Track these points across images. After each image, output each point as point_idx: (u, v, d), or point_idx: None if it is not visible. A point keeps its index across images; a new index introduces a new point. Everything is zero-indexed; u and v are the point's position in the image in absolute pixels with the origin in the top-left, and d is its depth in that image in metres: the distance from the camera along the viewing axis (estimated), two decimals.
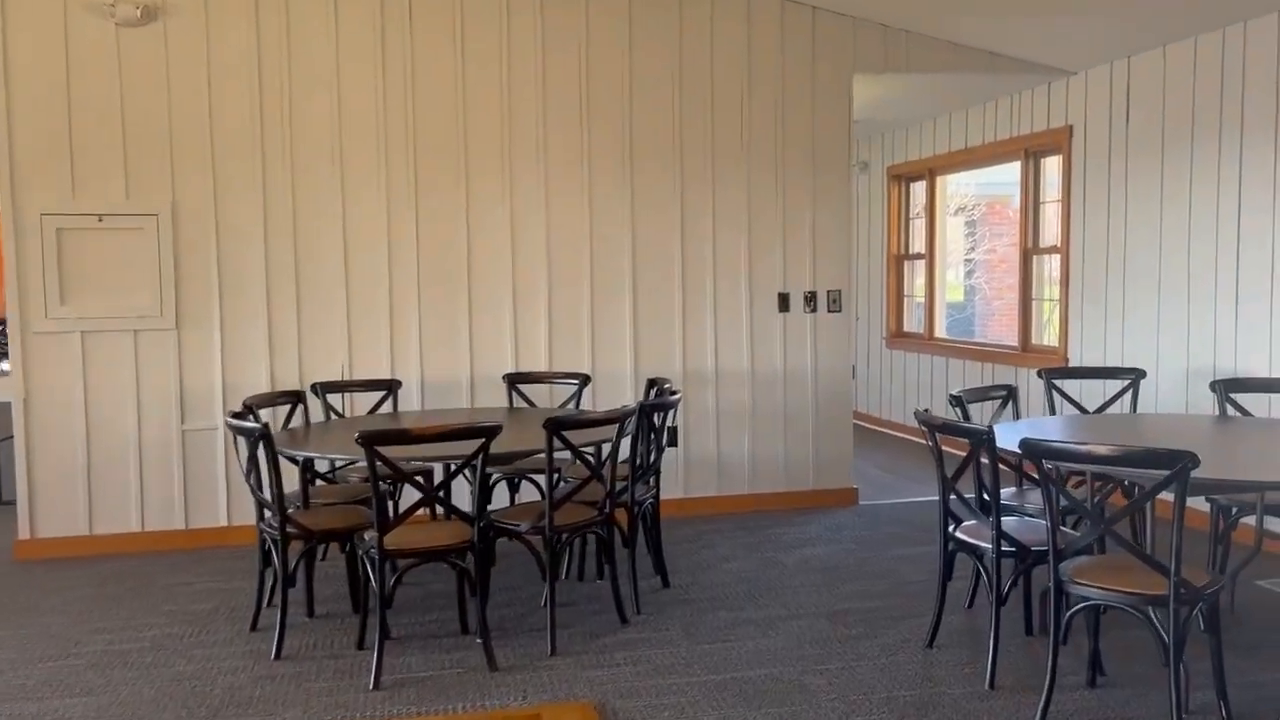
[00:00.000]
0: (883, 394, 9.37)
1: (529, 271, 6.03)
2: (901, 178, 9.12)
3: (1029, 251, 7.30)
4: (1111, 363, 6.39)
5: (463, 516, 3.87)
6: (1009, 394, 4.70)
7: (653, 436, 4.53)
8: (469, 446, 3.65)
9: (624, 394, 6.11)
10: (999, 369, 7.58)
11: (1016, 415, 4.78)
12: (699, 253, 6.23)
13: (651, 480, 4.70)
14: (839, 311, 6.47)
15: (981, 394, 4.63)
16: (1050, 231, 7.36)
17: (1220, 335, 5.56)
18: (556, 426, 3.84)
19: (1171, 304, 5.91)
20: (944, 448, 3.77)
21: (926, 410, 3.89)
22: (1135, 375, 5.12)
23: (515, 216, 5.99)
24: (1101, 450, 3.01)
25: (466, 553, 3.77)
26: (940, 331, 8.67)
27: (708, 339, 6.27)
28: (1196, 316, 5.73)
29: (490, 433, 3.61)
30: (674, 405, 4.57)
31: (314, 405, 5.21)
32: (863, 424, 9.52)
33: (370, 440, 3.53)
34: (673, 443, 6.26)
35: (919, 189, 9.02)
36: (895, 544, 5.54)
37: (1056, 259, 7.11)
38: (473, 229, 5.94)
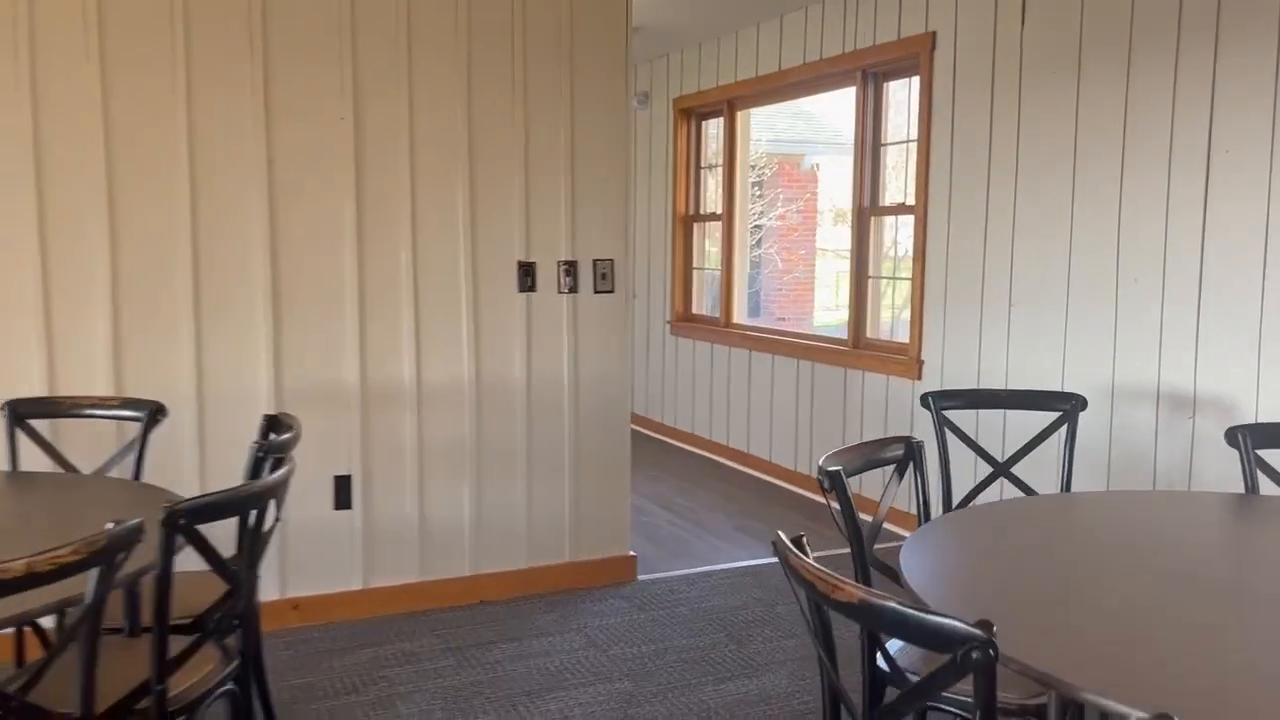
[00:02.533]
0: (665, 393, 7.31)
1: (70, 221, 3.45)
2: (692, 113, 7.02)
3: (865, 211, 5.36)
4: (992, 372, 4.53)
5: None
6: (908, 453, 2.62)
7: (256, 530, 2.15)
8: None
9: (245, 429, 3.66)
10: (822, 371, 5.64)
11: (920, 488, 2.72)
12: (388, 204, 3.85)
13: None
14: (610, 291, 4.27)
15: (867, 459, 2.52)
16: (896, 185, 5.46)
17: (1171, 334, 3.76)
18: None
19: (1087, 289, 4.08)
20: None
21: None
22: (1072, 403, 3.22)
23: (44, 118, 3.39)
24: None
25: None
26: (740, 315, 6.68)
27: (403, 333, 3.92)
28: (1132, 308, 3.92)
29: None
30: (273, 490, 2.18)
31: None
32: (639, 430, 7.44)
33: None
34: (344, 503, 3.88)
35: (714, 129, 6.96)
36: (698, 668, 3.41)
37: (907, 224, 5.20)
38: None
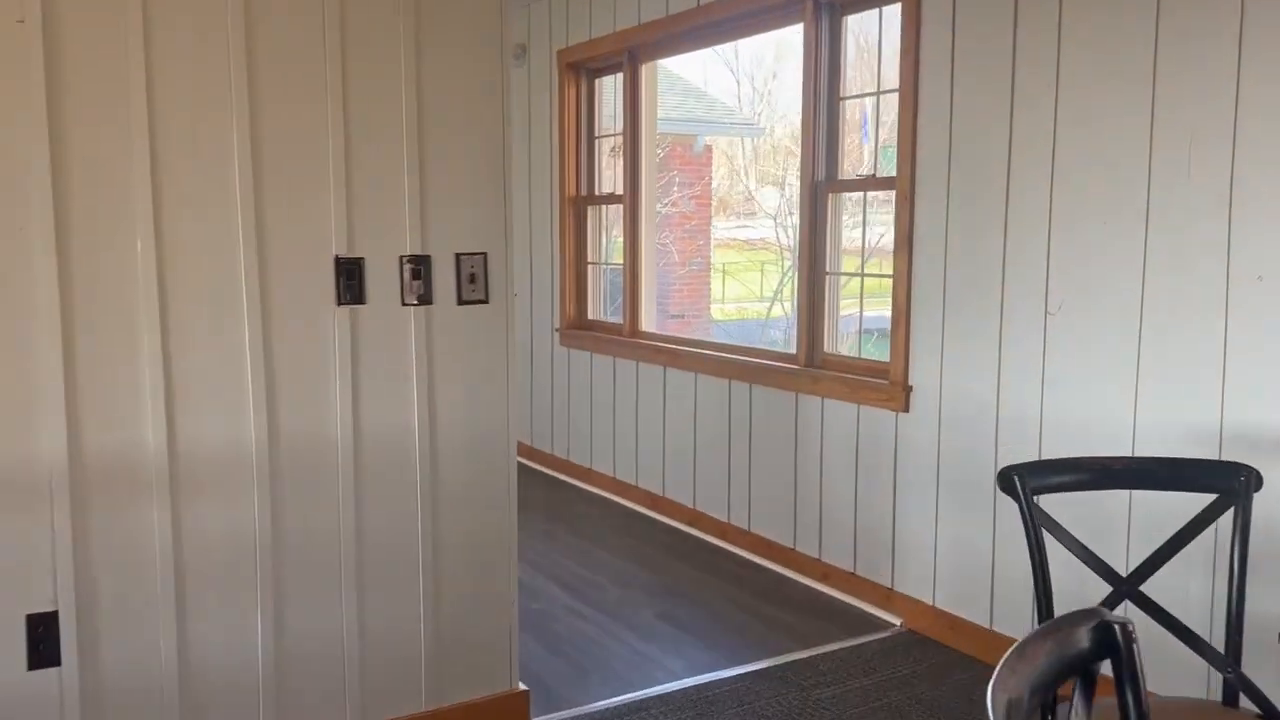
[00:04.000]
0: (555, 419, 5.90)
1: None
2: (581, 69, 5.62)
3: (819, 188, 4.07)
4: (1018, 407, 3.29)
5: None
6: (1104, 643, 1.30)
7: None
8: None
9: None
10: (764, 396, 4.33)
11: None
12: (109, 169, 2.34)
13: None
14: (483, 300, 2.87)
15: (1046, 679, 1.19)
16: (855, 155, 4.20)
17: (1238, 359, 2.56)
18: None
19: (1176, 288, 2.87)
20: None
21: None
22: (1239, 479, 1.99)
23: None
24: None
25: None
26: (650, 322, 5.32)
27: (141, 375, 2.41)
28: (1253, 315, 2.71)
29: None
30: None
31: None
32: (523, 463, 6.02)
33: None
34: (46, 658, 2.36)
35: (612, 88, 5.58)
36: None
37: (882, 203, 3.93)
38: None
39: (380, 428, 2.70)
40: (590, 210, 5.66)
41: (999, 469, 2.03)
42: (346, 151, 2.61)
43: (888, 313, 3.70)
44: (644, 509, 5.12)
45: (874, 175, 3.96)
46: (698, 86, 13.41)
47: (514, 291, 5.84)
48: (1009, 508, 3.20)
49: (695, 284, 12.02)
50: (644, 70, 5.19)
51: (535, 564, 4.33)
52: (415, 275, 2.71)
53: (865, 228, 4.15)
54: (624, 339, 5.23)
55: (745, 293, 13.57)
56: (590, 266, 5.68)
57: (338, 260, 2.62)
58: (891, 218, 3.68)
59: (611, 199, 5.49)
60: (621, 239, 5.36)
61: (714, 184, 12.83)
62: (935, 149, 3.49)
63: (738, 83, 14.98)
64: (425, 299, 2.74)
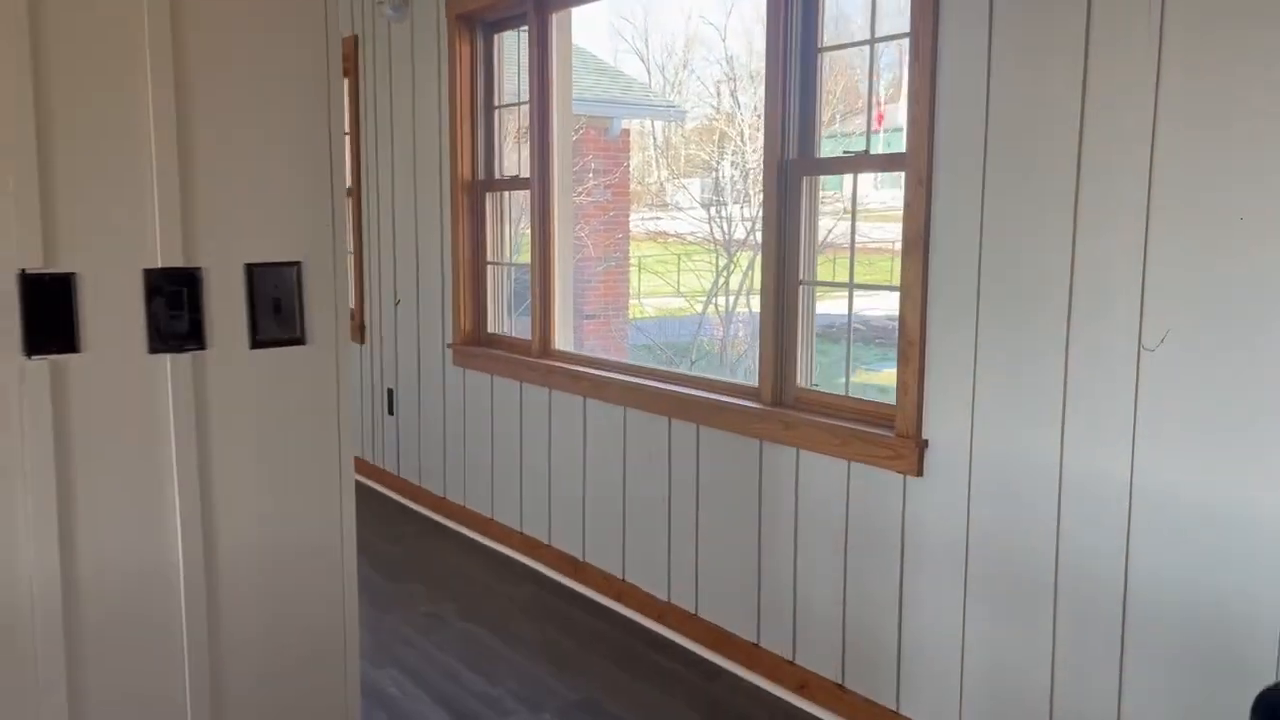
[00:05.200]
0: (448, 455, 4.80)
1: None
2: (477, 21, 4.51)
3: (789, 168, 3.04)
4: (1103, 481, 2.32)
5: None
6: None
7: None
8: None
9: None
10: (717, 442, 3.31)
11: None
12: None
13: None
14: (297, 340, 1.76)
15: None
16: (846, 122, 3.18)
17: None
18: None
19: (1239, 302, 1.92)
20: None
21: None
22: None
23: None
24: None
25: None
26: (566, 339, 4.25)
27: None
28: None
29: None
30: None
31: None
32: (405, 504, 4.91)
33: None
34: None
35: (514, 45, 4.50)
36: None
37: (877, 185, 2.92)
38: None
39: (109, 570, 1.59)
40: (490, 198, 4.56)
41: (1260, 692, 1.04)
42: (35, 99, 1.50)
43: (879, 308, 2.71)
44: (559, 576, 4.06)
45: (866, 153, 2.96)
46: (611, 65, 12.35)
47: (397, 298, 4.69)
48: (1077, 617, 2.25)
49: (612, 281, 10.97)
50: (554, 21, 4.11)
51: (415, 673, 3.23)
52: (173, 303, 1.61)
53: (854, 220, 3.14)
54: (532, 360, 4.15)
55: (666, 289, 12.56)
56: (490, 267, 4.58)
57: (23, 279, 1.50)
58: (897, 208, 2.69)
59: (516, 183, 4.40)
60: (529, 233, 4.28)
61: (632, 171, 11.78)
62: (963, 114, 2.50)
63: (649, 74, 13.98)
64: (193, 340, 1.64)
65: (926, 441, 2.65)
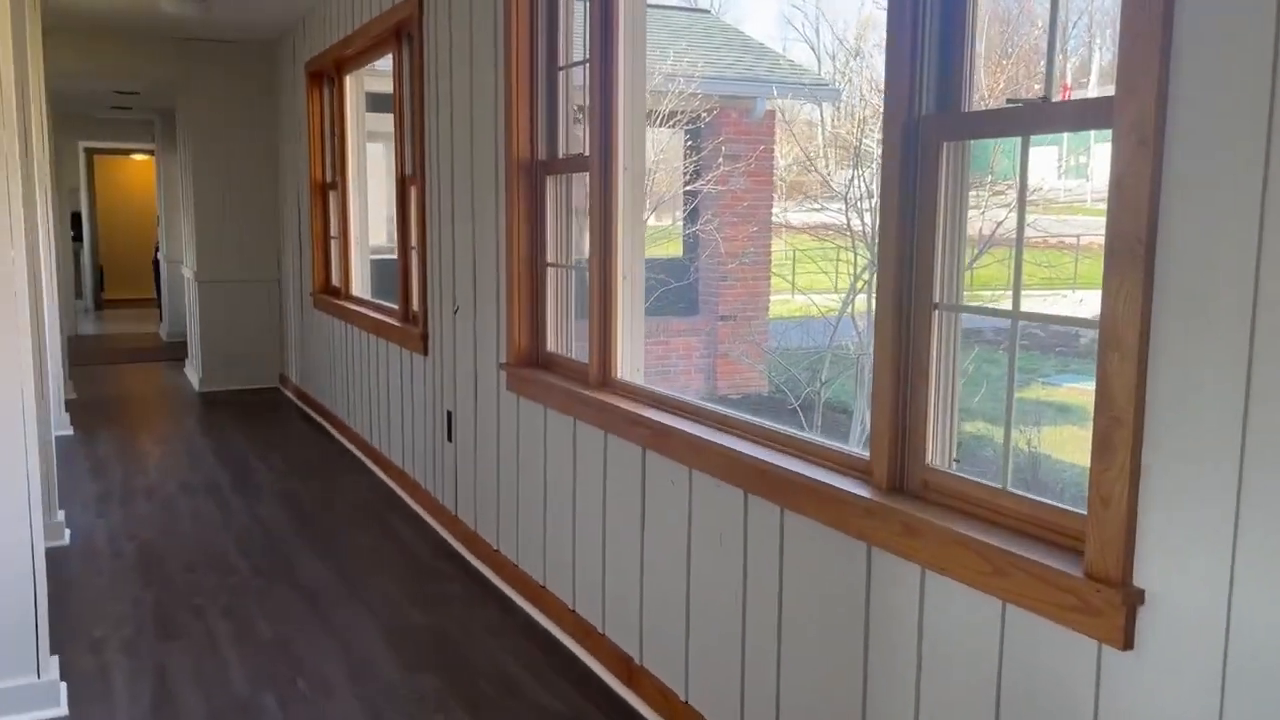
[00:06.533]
0: (501, 503, 3.90)
1: None
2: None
3: (914, 129, 1.97)
4: None
5: None
6: None
7: None
8: None
9: None
10: (818, 538, 2.28)
11: None
12: None
13: None
14: None
15: None
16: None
17: None
18: None
19: None
20: None
21: None
22: None
23: None
24: None
25: None
26: (629, 365, 3.27)
27: None
28: None
29: None
30: None
31: None
32: (461, 557, 4.05)
33: None
34: None
35: None
36: None
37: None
38: None
39: None
40: (551, 183, 3.63)
41: None
42: None
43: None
44: (610, 678, 3.10)
45: (1045, 99, 1.84)
46: (759, 42, 11.24)
47: (455, 305, 3.82)
48: None
49: (750, 279, 9.90)
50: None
51: None
52: None
53: (1021, 205, 2.01)
54: (588, 392, 3.20)
55: (817, 285, 11.34)
56: (550, 269, 3.66)
57: None
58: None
59: (577, 164, 3.46)
60: (598, 226, 3.32)
61: (778, 158, 10.64)
62: (1227, 26, 1.39)
63: (819, 61, 12.78)
64: None
65: (1141, 593, 1.55)
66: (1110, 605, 1.56)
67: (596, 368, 3.24)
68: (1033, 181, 8.39)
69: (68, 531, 4.43)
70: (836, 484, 2.14)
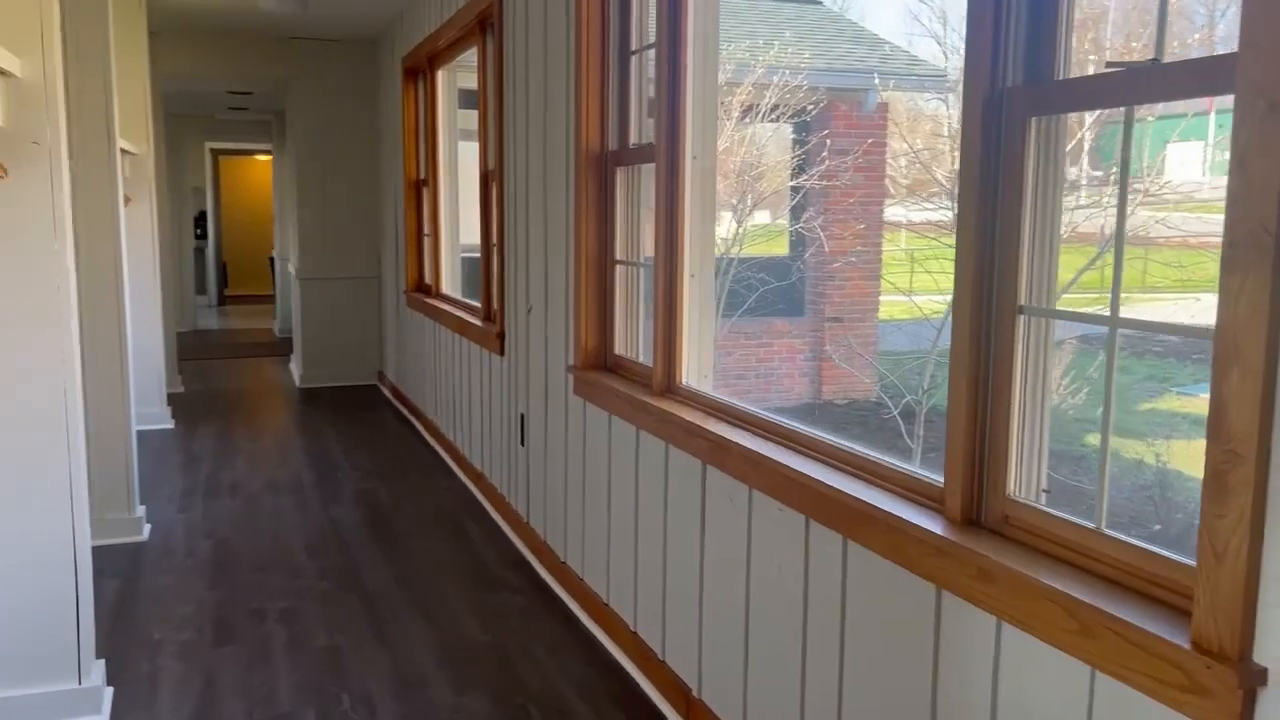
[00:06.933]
0: (569, 514, 3.71)
1: None
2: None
3: (998, 101, 1.67)
4: None
5: None
6: None
7: None
8: None
9: None
10: (882, 574, 1.99)
11: None
12: None
13: None
14: None
15: None
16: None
17: None
18: None
19: None
20: None
21: None
22: None
23: None
24: None
25: None
26: (699, 372, 3.02)
27: None
28: None
29: None
30: None
31: None
32: (534, 571, 3.88)
33: None
34: None
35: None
36: None
37: None
38: None
39: None
40: (621, 175, 3.42)
41: None
42: None
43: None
44: (668, 708, 2.86)
45: (1155, 61, 1.53)
46: (872, 33, 10.79)
47: (529, 304, 3.67)
48: None
49: (859, 278, 9.50)
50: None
51: None
52: None
53: (1122, 200, 1.67)
54: (651, 400, 2.97)
55: (922, 286, 10.84)
56: (619, 267, 3.44)
57: None
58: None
59: (644, 154, 3.23)
60: (663, 220, 3.09)
61: (890, 152, 10.19)
62: None
63: (945, 57, 12.23)
64: None
65: (1263, 673, 1.23)
66: (1223, 686, 1.26)
67: (660, 373, 3.00)
68: (1172, 174, 7.77)
69: (147, 527, 4.44)
70: (904, 515, 1.86)
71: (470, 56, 5.35)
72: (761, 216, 9.69)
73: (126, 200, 6.04)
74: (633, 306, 3.44)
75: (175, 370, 7.57)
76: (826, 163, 8.46)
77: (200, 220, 14.31)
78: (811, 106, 8.21)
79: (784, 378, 9.66)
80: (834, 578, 2.10)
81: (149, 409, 6.33)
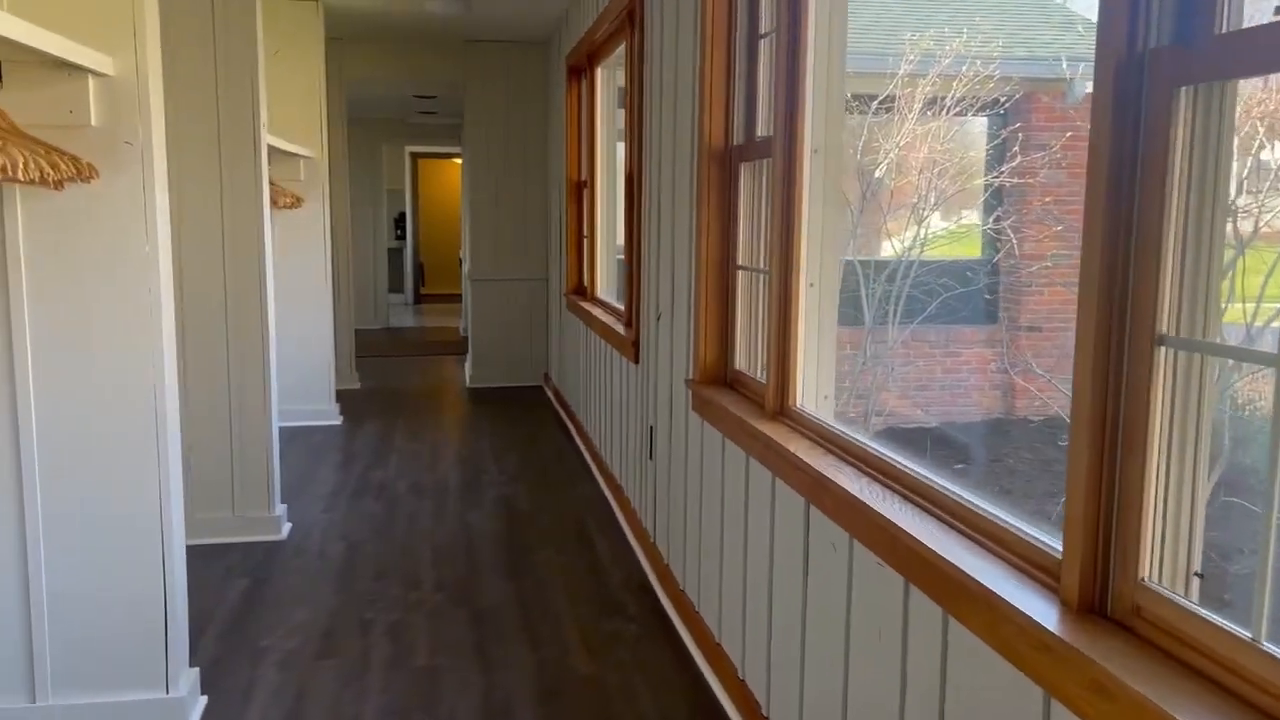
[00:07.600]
0: (688, 537, 3.43)
1: None
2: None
3: (1142, 61, 1.27)
4: None
5: None
6: None
7: None
8: None
9: None
10: (983, 663, 1.61)
11: None
12: None
13: None
14: None
15: None
16: None
17: None
18: None
19: None
20: None
21: None
22: None
23: None
24: None
25: None
26: (817, 392, 2.68)
27: None
28: None
29: None
30: None
31: None
32: (651, 582, 3.62)
33: None
34: None
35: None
36: None
37: None
38: None
39: None
40: (745, 171, 3.10)
41: None
42: None
43: None
44: None
45: None
46: (1073, 9, 9.88)
47: (658, 311, 3.46)
48: None
49: (1060, 284, 8.69)
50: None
51: None
52: None
53: None
54: (763, 424, 2.65)
55: None
56: (741, 273, 3.13)
57: None
58: None
59: (764, 148, 2.90)
60: (779, 221, 2.76)
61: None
62: None
63: None
64: None
65: None
66: None
67: (773, 394, 2.68)
68: None
69: (287, 526, 4.48)
70: (1007, 595, 1.47)
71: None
72: (945, 218, 9.05)
73: (298, 201, 6.21)
74: (756, 317, 3.12)
75: (352, 367, 7.78)
76: (1018, 159, 7.77)
77: (400, 221, 14.90)
78: (1003, 99, 7.55)
79: (973, 390, 8.98)
80: (934, 654, 1.73)
81: (316, 405, 6.50)
